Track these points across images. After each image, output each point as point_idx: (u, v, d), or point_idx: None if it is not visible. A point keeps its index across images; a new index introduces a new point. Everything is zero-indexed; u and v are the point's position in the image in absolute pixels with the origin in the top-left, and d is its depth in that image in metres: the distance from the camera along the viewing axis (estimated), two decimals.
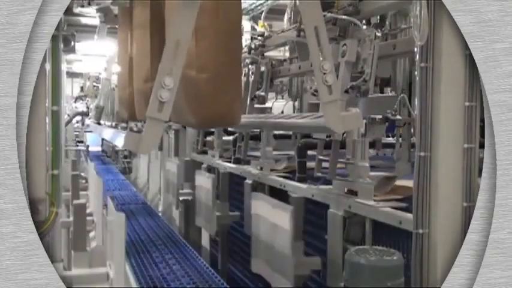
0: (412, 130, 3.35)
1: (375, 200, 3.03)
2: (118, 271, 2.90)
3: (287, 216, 3.21)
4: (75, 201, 3.43)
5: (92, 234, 4.07)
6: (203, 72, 2.91)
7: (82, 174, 5.94)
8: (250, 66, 4.89)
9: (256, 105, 4.78)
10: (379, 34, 3.02)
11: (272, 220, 3.48)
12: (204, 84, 2.92)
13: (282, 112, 5.37)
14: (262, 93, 4.78)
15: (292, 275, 3.21)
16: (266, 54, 4.99)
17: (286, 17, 4.42)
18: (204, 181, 5.39)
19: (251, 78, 4.81)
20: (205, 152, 6.49)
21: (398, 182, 3.23)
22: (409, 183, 3.05)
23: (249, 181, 4.77)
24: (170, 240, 5.96)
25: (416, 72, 2.46)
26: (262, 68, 4.84)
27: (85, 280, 2.97)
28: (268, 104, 5.14)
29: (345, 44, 3.06)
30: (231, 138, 5.64)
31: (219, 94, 2.95)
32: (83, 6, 4.61)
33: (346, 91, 3.00)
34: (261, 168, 4.62)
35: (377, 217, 2.95)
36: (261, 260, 3.71)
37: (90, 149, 12.56)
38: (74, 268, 3.01)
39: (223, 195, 5.24)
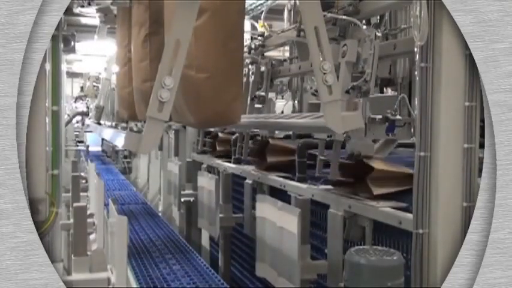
0: (412, 130, 3.34)
1: (375, 197, 3.03)
2: (120, 277, 2.90)
3: (295, 220, 3.18)
4: (76, 204, 3.41)
5: (92, 236, 4.06)
6: (202, 72, 2.91)
7: (82, 174, 5.94)
8: (250, 66, 4.88)
9: (256, 105, 4.78)
10: (379, 34, 3.01)
11: (278, 223, 3.46)
12: (203, 83, 2.92)
13: (282, 112, 5.37)
14: (263, 93, 4.75)
15: (299, 279, 3.19)
16: (266, 54, 4.99)
17: (285, 15, 4.42)
18: (206, 182, 5.38)
19: (251, 79, 4.80)
20: (205, 152, 6.50)
21: (393, 167, 3.22)
22: (405, 169, 3.06)
23: (249, 181, 4.77)
24: (170, 241, 5.96)
25: (416, 72, 2.46)
26: (262, 68, 4.82)
27: (85, 285, 2.96)
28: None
29: (345, 45, 3.04)
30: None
31: (219, 93, 2.95)
32: (83, 6, 4.61)
33: (347, 91, 2.98)
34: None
35: (377, 217, 2.95)
36: (266, 264, 3.68)
37: (90, 149, 12.57)
38: (74, 273, 3.00)
39: (225, 196, 5.22)
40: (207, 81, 2.92)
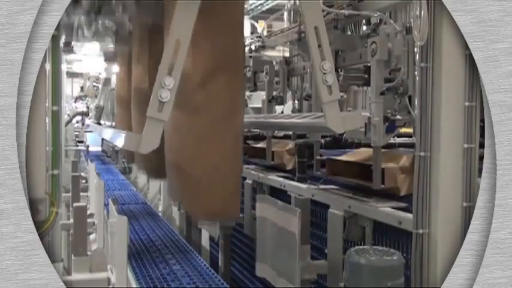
0: (412, 130, 3.34)
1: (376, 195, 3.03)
2: (120, 277, 2.90)
3: (295, 220, 3.18)
4: (76, 204, 3.41)
5: (92, 236, 4.06)
6: (196, 170, 2.86)
7: (82, 174, 5.94)
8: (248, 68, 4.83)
9: (251, 106, 4.74)
10: (408, 25, 2.75)
11: (279, 223, 3.46)
12: (199, 181, 2.86)
13: (282, 112, 5.37)
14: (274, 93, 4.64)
15: (299, 279, 3.19)
16: (267, 53, 4.96)
17: (285, 15, 4.41)
18: None
19: (266, 78, 4.67)
20: None
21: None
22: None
23: (249, 181, 4.77)
24: (170, 241, 5.95)
25: (416, 72, 2.45)
26: (276, 67, 4.71)
27: (85, 285, 2.95)
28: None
29: (373, 42, 2.86)
30: None
31: (215, 190, 2.85)
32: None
33: (382, 93, 2.79)
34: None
35: (377, 217, 2.95)
36: (266, 264, 3.68)
37: (90, 149, 12.56)
38: (74, 273, 3.00)
39: None
40: (202, 178, 2.85)
